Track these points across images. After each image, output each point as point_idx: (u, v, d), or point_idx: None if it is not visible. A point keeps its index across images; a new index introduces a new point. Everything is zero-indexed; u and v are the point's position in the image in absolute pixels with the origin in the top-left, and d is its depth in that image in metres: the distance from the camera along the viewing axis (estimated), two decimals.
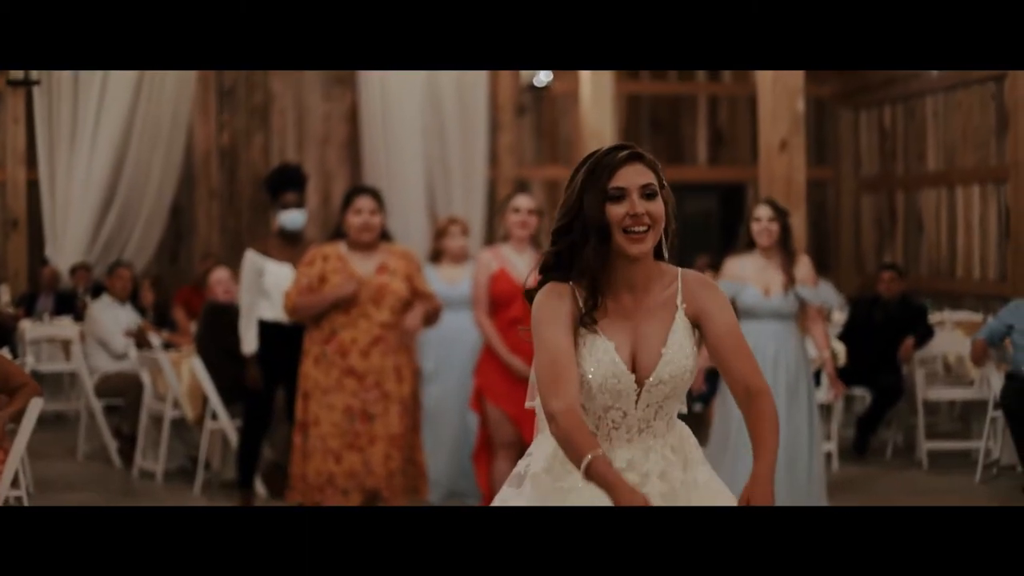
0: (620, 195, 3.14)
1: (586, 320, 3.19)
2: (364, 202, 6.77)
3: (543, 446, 3.30)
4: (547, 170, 13.67)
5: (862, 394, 9.82)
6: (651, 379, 3.18)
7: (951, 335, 9.72)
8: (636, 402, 3.20)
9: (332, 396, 6.70)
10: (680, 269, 3.28)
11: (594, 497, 3.04)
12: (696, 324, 3.24)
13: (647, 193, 3.15)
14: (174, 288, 12.17)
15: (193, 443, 8.95)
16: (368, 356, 6.71)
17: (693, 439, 3.36)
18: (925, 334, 9.41)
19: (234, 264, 12.92)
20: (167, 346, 9.73)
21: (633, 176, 3.16)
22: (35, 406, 6.02)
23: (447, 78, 12.97)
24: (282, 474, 7.85)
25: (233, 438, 8.31)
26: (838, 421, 9.26)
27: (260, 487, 8.24)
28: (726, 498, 3.25)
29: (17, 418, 6.00)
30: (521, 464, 3.35)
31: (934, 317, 10.39)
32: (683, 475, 3.24)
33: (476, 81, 13.05)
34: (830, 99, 14.20)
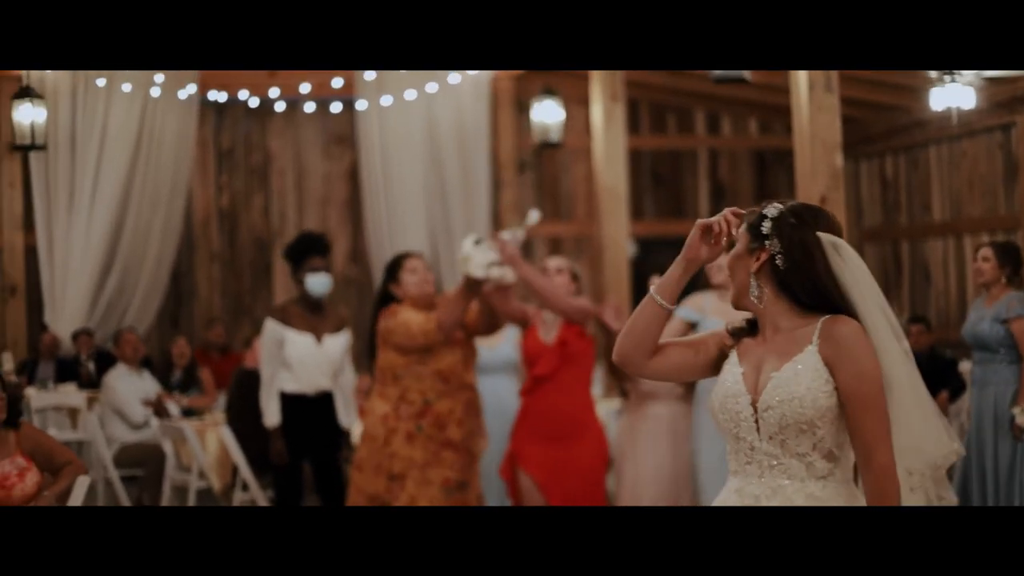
0: None
1: (732, 332, 3.39)
2: (417, 262, 6.78)
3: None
4: (549, 226, 13.58)
5: None
6: (760, 402, 3.21)
7: None
8: (758, 431, 3.22)
9: (430, 471, 6.58)
10: (830, 316, 3.26)
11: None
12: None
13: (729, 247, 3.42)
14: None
15: None
16: (463, 424, 6.63)
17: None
18: (958, 387, 9.35)
19: (234, 328, 12.89)
20: (187, 413, 9.57)
21: None
22: (81, 484, 5.88)
23: (447, 136, 12.89)
24: None
25: None
26: None
27: None
28: None
29: (63, 498, 5.85)
30: None
31: None
32: None
33: (477, 138, 12.96)
34: None
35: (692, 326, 7.05)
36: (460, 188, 12.97)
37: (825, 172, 7.38)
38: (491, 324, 6.85)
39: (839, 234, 3.32)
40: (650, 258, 12.53)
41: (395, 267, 6.86)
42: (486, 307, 6.74)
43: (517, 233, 6.81)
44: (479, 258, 6.69)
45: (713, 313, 6.90)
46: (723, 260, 6.76)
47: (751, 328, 3.37)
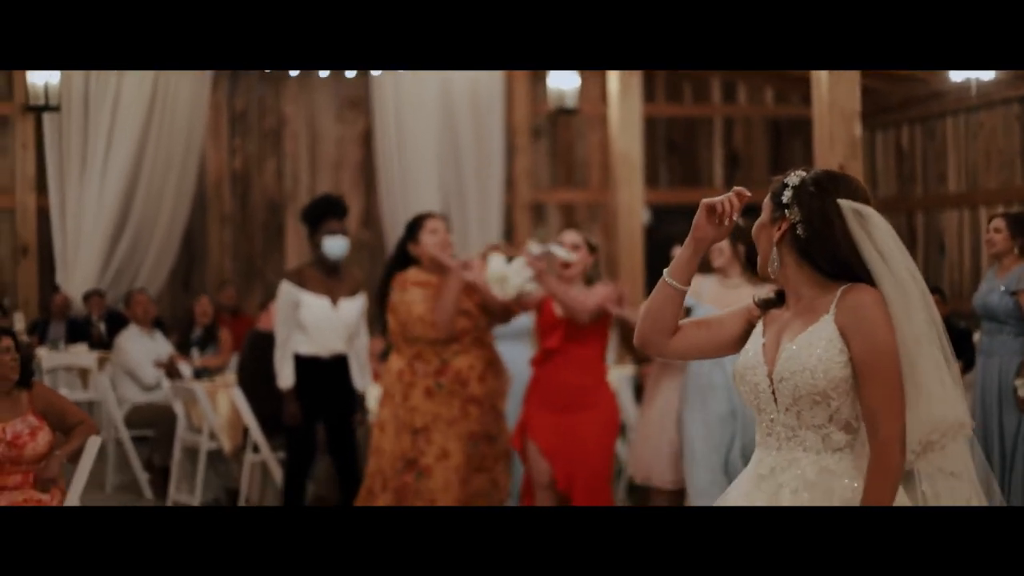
0: None
1: (760, 303, 3.37)
2: (438, 223, 6.77)
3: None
4: (563, 193, 13.56)
5: None
6: (774, 374, 3.20)
7: None
8: (775, 402, 3.21)
9: (458, 426, 6.64)
10: (850, 285, 3.21)
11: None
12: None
13: None
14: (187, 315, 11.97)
15: (227, 475, 8.78)
16: (485, 380, 6.67)
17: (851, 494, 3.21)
18: (972, 358, 9.28)
19: (245, 290, 12.88)
20: (199, 374, 9.56)
21: None
22: (93, 444, 5.88)
23: (461, 101, 12.83)
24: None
25: (275, 470, 8.13)
26: None
27: None
28: None
29: (75, 457, 5.84)
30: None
31: None
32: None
33: (491, 104, 12.91)
34: None
35: (687, 311, 6.98)
36: (474, 153, 12.93)
37: (843, 141, 7.32)
38: (500, 315, 6.87)
39: (865, 200, 3.24)
40: (664, 226, 12.50)
41: (416, 226, 6.83)
42: (489, 304, 6.79)
43: (544, 247, 6.80)
44: (516, 278, 6.74)
45: (710, 300, 6.82)
46: (724, 244, 6.81)
47: (779, 299, 3.35)
